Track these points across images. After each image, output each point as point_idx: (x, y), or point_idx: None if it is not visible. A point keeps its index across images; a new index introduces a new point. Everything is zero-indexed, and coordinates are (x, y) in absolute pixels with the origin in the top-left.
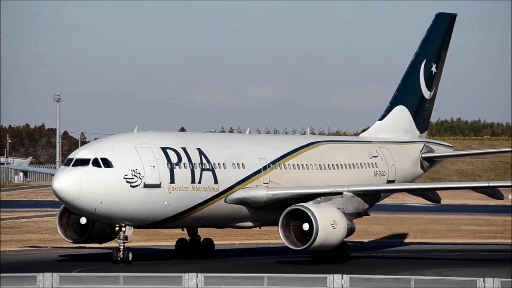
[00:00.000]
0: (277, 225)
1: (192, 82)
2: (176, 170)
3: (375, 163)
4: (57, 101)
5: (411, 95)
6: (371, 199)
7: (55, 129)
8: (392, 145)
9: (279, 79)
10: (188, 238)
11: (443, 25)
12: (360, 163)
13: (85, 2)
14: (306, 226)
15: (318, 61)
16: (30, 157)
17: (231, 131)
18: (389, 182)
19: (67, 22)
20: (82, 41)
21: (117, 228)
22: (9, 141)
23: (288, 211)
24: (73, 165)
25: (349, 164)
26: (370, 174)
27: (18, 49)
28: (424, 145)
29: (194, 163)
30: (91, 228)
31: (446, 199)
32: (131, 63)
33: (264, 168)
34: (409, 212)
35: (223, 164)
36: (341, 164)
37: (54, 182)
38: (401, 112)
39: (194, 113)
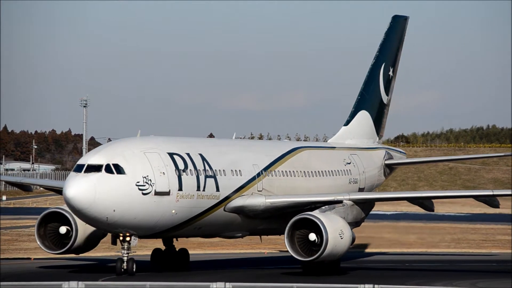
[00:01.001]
0: (265, 234)
1: (221, 87)
2: (184, 177)
3: (349, 170)
4: (84, 106)
5: (372, 100)
6: (367, 208)
7: (82, 134)
8: (360, 151)
9: (309, 84)
10: (163, 248)
11: (398, 28)
12: (337, 170)
13: (109, 6)
14: (312, 236)
15: (348, 63)
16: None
17: (261, 137)
18: (360, 190)
19: (94, 27)
20: (109, 46)
21: (121, 238)
22: (35, 147)
23: (295, 220)
24: (85, 171)
25: (328, 171)
26: (346, 182)
27: (45, 54)
28: (386, 151)
29: (199, 170)
30: (74, 237)
31: (469, 206)
32: (159, 68)
33: (258, 175)
34: (415, 220)
35: (223, 170)
36: (321, 171)
37: (66, 190)
38: (364, 118)
39: (222, 119)
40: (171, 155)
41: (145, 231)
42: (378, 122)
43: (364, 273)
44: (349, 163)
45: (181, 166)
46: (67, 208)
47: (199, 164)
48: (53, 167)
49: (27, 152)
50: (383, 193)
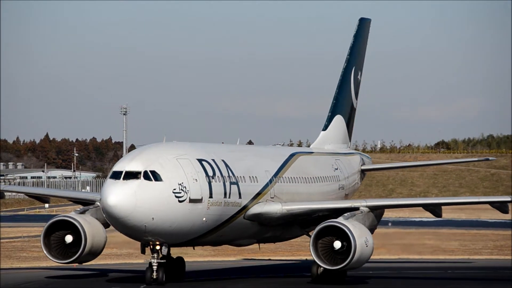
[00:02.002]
0: (269, 242)
1: (259, 93)
2: (213, 184)
3: (338, 176)
4: (124, 114)
5: (345, 105)
6: (379, 215)
7: (122, 142)
8: (341, 156)
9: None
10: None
11: (363, 31)
12: (329, 176)
13: (149, 15)
14: (338, 244)
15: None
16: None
17: (300, 144)
18: (345, 196)
19: (134, 35)
20: (149, 54)
21: (151, 247)
22: (76, 154)
23: (321, 227)
24: (124, 179)
25: (323, 177)
26: (336, 188)
27: (85, 63)
28: (360, 156)
29: (225, 176)
30: (83, 246)
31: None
32: (198, 75)
33: (270, 181)
34: (457, 227)
35: (243, 177)
36: (318, 177)
37: (107, 197)
38: (339, 122)
39: (261, 126)
40: (200, 161)
41: (177, 239)
42: (350, 127)
43: (398, 282)
44: (337, 169)
45: (210, 172)
46: (75, 216)
47: (224, 171)
48: (94, 174)
49: (69, 160)
50: (398, 200)
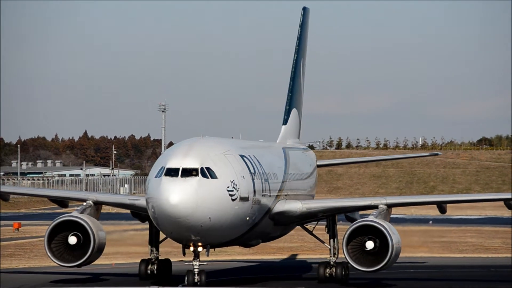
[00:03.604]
0: (271, 240)
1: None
2: (255, 181)
3: (313, 171)
4: (162, 111)
5: (298, 98)
6: (390, 213)
7: (161, 139)
8: (305, 152)
9: (391, 87)
10: (148, 257)
11: (305, 20)
12: (309, 172)
13: (183, 13)
14: (370, 244)
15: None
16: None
17: (340, 141)
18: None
19: (172, 32)
20: (189, 50)
21: (192, 248)
22: (115, 152)
23: (355, 227)
24: (181, 176)
25: (307, 172)
26: (314, 183)
27: (123, 61)
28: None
29: (261, 173)
30: (92, 248)
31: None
32: (238, 72)
33: (284, 178)
34: (501, 224)
35: (270, 173)
36: (305, 173)
37: (168, 196)
38: (295, 116)
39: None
40: (241, 157)
41: (221, 240)
42: (300, 121)
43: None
44: (311, 165)
45: (251, 169)
46: (81, 216)
47: (259, 167)
48: (132, 172)
49: (107, 157)
50: (416, 197)
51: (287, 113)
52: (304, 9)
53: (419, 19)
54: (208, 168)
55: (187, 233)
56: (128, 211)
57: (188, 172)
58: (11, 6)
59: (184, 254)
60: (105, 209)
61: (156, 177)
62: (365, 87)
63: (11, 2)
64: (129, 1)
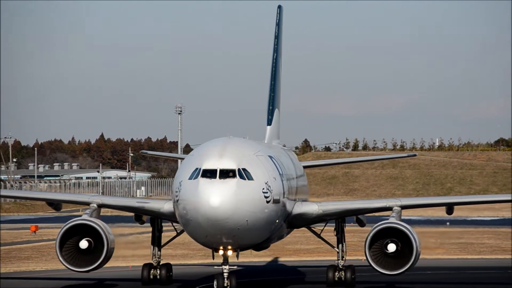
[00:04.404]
0: (274, 242)
1: (314, 91)
2: (284, 182)
3: (303, 173)
4: (179, 113)
5: (278, 97)
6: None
7: (177, 142)
8: (293, 154)
9: (406, 87)
10: (150, 261)
11: (281, 18)
12: (303, 173)
13: (200, 14)
14: (392, 247)
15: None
16: None
17: (356, 143)
18: None
19: (186, 35)
20: (204, 52)
21: (221, 252)
22: (131, 154)
23: (378, 229)
24: (220, 177)
25: (303, 174)
26: (307, 184)
27: (138, 63)
28: None
29: (286, 174)
30: (106, 252)
31: None
32: (252, 73)
33: (297, 179)
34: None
35: (289, 175)
36: (303, 174)
37: (208, 198)
38: (277, 117)
39: (316, 124)
40: (270, 158)
41: (251, 243)
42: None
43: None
44: (301, 166)
45: (280, 170)
46: (95, 220)
47: (283, 168)
48: (149, 174)
49: (124, 160)
50: (430, 198)
51: (271, 113)
52: (279, 7)
53: (436, 17)
54: (244, 169)
55: (223, 236)
56: (129, 214)
57: (226, 174)
58: (30, 9)
59: (213, 257)
60: (103, 211)
61: (190, 178)
62: (382, 87)
63: (31, 4)
64: (146, 2)
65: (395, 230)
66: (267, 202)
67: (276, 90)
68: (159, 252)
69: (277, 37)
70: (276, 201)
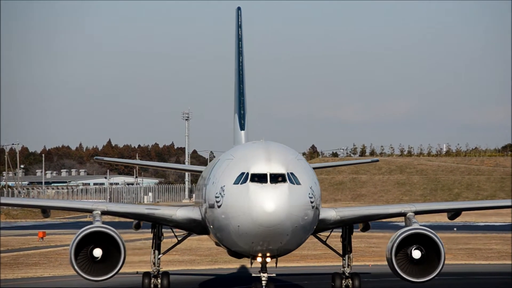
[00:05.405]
0: None
1: (322, 97)
2: (317, 187)
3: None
4: (186, 119)
5: (245, 101)
6: None
7: (184, 148)
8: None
9: (413, 92)
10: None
11: (240, 20)
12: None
13: (208, 20)
14: (417, 254)
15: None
16: None
17: (363, 148)
18: None
19: (195, 42)
20: (210, 59)
21: (259, 259)
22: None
23: (405, 236)
24: (271, 182)
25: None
26: None
27: (146, 69)
28: None
29: (316, 179)
30: (122, 260)
31: None
32: (259, 78)
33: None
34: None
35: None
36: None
37: (262, 204)
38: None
39: (324, 130)
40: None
41: (291, 249)
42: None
43: None
44: None
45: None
46: (110, 227)
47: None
48: (156, 180)
49: (131, 166)
50: (443, 204)
51: (243, 118)
52: (239, 9)
53: (447, 22)
54: (292, 174)
55: (272, 242)
56: (128, 220)
57: (275, 178)
58: (38, 11)
59: (251, 264)
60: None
61: (236, 183)
62: (390, 93)
63: (41, 12)
64: (154, 8)
65: (420, 236)
66: (312, 207)
67: (244, 94)
68: (159, 260)
69: (240, 39)
70: (317, 207)
